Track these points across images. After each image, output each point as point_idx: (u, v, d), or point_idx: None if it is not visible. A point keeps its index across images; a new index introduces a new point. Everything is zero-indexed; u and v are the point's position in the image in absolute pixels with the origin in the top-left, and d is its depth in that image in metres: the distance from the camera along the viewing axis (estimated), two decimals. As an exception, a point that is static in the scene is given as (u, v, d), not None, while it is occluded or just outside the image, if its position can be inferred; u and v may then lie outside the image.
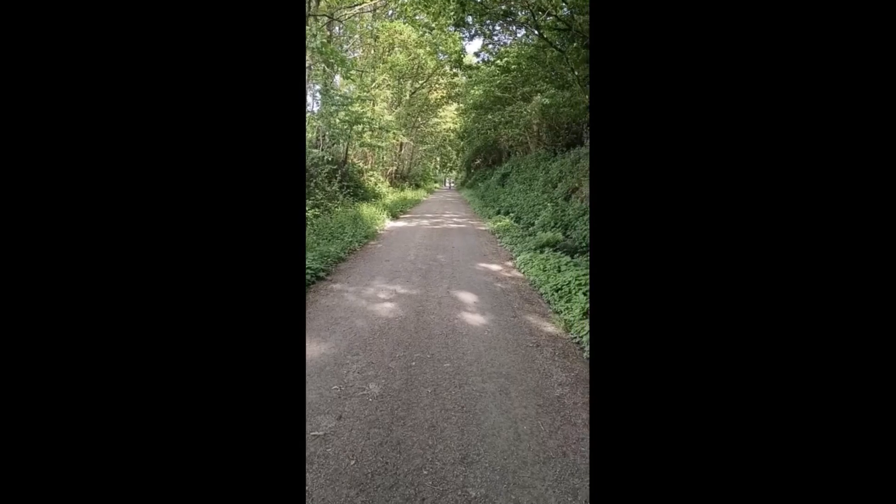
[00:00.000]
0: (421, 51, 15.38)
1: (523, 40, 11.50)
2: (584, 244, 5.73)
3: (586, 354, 2.99)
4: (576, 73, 9.01)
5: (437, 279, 4.95)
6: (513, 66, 11.32)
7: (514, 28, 10.96)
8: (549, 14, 8.74)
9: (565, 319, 3.58)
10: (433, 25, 12.01)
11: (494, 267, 5.71)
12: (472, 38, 11.52)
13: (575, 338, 3.28)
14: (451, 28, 12.36)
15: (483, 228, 9.58)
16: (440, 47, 14.79)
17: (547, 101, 10.62)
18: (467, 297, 4.26)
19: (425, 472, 1.82)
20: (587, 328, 3.16)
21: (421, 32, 13.46)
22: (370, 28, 14.69)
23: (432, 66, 17.45)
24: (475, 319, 3.65)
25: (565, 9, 8.52)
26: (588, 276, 4.15)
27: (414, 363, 2.81)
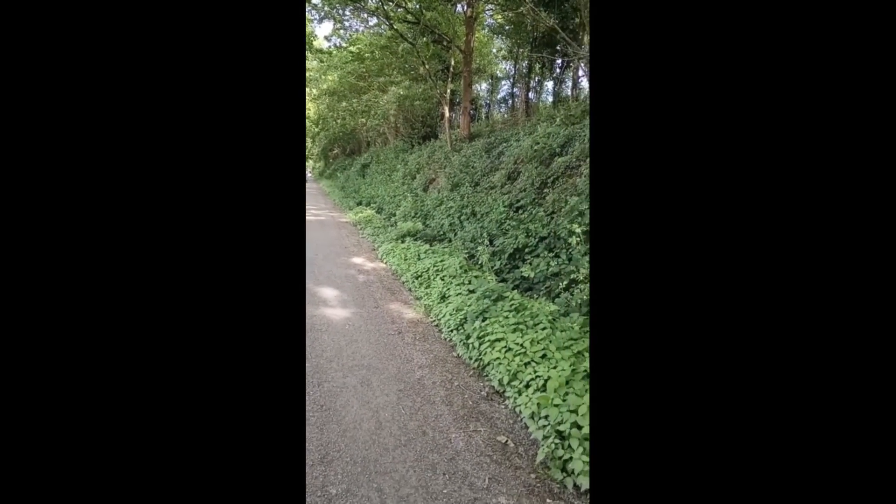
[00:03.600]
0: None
1: (376, 30, 11.39)
2: (441, 232, 6.02)
3: (444, 335, 3.17)
4: (426, 66, 9.31)
5: (294, 276, 4.64)
6: (366, 55, 11.15)
7: (366, 15, 10.77)
8: (398, 5, 8.81)
9: (425, 304, 3.72)
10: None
11: (357, 259, 5.62)
12: (321, 20, 10.91)
13: (434, 321, 3.44)
14: (298, 7, 11.51)
15: (344, 220, 9.30)
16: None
17: (402, 91, 10.76)
18: (328, 293, 4.10)
19: (281, 482, 1.70)
20: (444, 311, 3.34)
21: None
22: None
23: (279, 46, 16.02)
24: (336, 314, 3.55)
25: (415, 2, 8.70)
26: (444, 262, 4.38)
27: (267, 368, 2.60)
